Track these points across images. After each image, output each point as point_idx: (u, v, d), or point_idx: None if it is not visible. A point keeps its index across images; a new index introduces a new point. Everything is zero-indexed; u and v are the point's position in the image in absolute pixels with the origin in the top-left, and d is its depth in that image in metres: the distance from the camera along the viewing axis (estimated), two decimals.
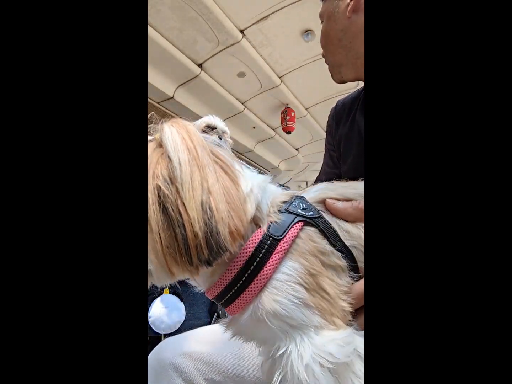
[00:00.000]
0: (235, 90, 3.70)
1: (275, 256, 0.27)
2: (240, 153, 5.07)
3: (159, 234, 0.25)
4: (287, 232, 0.29)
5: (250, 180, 0.29)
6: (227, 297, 0.30)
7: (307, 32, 2.68)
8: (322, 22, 0.65)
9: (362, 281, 0.31)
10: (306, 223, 0.30)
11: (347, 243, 0.31)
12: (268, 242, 0.28)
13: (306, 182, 7.67)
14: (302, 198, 0.33)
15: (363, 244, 0.32)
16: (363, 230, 0.32)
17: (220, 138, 0.62)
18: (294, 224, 0.29)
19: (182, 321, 0.85)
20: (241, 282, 0.28)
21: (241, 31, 2.54)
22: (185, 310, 0.90)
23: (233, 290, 0.29)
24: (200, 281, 0.33)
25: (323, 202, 0.34)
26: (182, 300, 0.88)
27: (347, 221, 0.33)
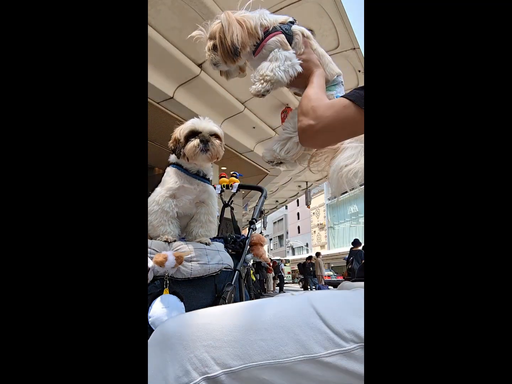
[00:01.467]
0: (235, 90, 3.70)
1: (269, 37, 0.68)
2: (240, 153, 5.07)
3: (220, 50, 0.67)
4: (274, 32, 0.68)
5: (255, 19, 0.68)
6: (254, 48, 0.69)
7: None
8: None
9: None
10: (283, 33, 0.69)
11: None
12: (265, 33, 0.68)
13: (306, 182, 7.67)
14: (291, 24, 0.72)
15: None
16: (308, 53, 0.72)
17: (207, 141, 0.95)
18: (277, 31, 0.68)
19: None
20: (259, 39, 0.69)
21: None
22: (185, 310, 0.90)
23: (256, 45, 0.70)
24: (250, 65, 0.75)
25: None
26: (182, 300, 0.88)
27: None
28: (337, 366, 0.43)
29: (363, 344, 0.42)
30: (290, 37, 0.69)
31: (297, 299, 0.51)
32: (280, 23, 0.69)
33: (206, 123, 0.94)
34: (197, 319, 0.51)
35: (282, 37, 0.67)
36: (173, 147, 0.96)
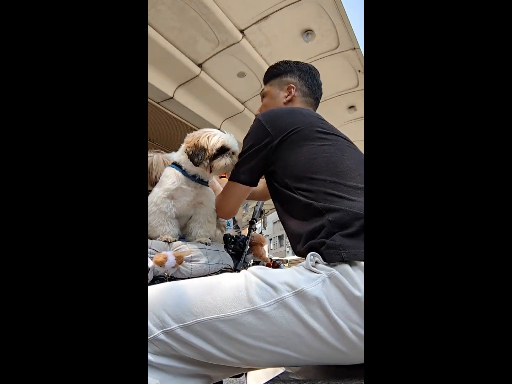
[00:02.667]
0: (235, 90, 3.70)
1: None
2: None
3: (148, 178, 1.01)
4: None
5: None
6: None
7: (307, 32, 2.67)
8: (264, 97, 1.02)
9: None
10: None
11: None
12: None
13: None
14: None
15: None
16: None
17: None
18: None
19: None
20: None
21: (241, 31, 2.54)
22: None
23: None
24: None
25: None
26: None
27: None
28: (274, 314, 0.52)
29: (296, 291, 0.53)
30: None
31: (242, 272, 0.62)
32: None
33: (234, 141, 0.94)
34: (155, 288, 0.60)
35: None
36: (191, 152, 0.93)
